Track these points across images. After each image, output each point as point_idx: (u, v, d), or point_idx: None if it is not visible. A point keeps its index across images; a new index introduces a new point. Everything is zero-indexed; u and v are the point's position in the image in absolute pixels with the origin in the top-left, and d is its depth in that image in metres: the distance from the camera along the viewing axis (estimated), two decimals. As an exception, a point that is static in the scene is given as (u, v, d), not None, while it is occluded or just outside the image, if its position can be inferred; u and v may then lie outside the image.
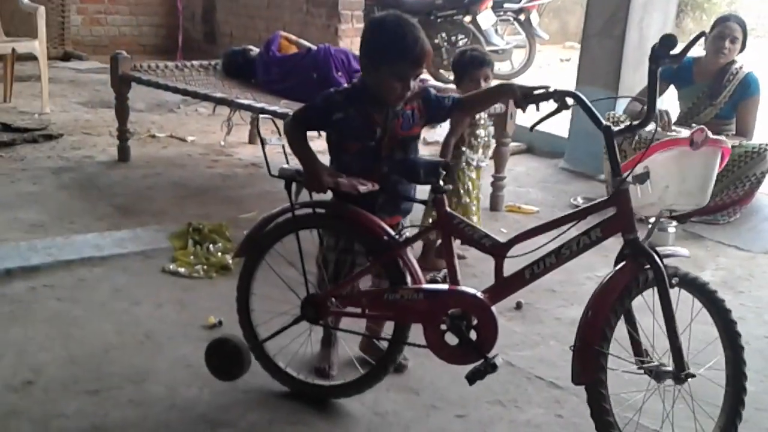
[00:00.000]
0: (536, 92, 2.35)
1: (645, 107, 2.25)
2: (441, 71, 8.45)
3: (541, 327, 3.13)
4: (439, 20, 8.40)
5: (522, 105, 2.39)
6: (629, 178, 2.32)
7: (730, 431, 2.39)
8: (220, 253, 3.59)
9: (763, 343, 3.17)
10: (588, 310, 2.23)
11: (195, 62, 5.42)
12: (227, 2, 8.78)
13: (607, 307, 2.22)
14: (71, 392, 2.54)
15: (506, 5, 8.43)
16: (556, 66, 9.78)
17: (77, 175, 4.79)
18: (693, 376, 2.27)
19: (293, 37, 5.27)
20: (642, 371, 2.31)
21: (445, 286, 2.42)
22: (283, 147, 2.52)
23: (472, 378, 2.31)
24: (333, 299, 2.49)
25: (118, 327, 2.98)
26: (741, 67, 4.53)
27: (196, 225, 3.81)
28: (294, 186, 2.45)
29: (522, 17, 8.79)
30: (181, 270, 3.45)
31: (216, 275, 3.45)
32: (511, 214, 4.51)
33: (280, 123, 2.61)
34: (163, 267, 3.48)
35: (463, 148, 3.64)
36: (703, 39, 2.43)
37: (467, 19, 8.18)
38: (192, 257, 3.54)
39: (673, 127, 4.48)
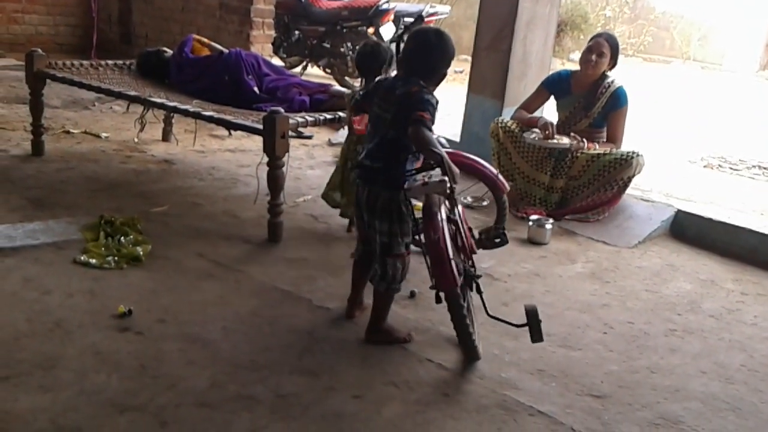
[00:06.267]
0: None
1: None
2: (346, 78, 8.44)
3: (432, 314, 3.16)
4: (344, 30, 8.39)
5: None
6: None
7: None
8: (131, 245, 3.48)
9: (626, 327, 3.29)
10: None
11: (110, 61, 5.22)
12: (143, 5, 8.50)
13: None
14: (-20, 379, 2.42)
15: (406, 19, 8.47)
16: (450, 76, 9.93)
17: (-10, 168, 4.55)
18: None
19: (206, 40, 5.16)
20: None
21: None
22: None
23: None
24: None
25: (29, 315, 2.84)
26: (613, 81, 4.68)
27: (108, 218, 3.68)
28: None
29: (420, 30, 8.84)
30: (92, 261, 3.31)
31: (127, 266, 3.34)
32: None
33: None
34: (75, 258, 3.34)
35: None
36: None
37: (371, 30, 8.18)
38: (103, 249, 3.41)
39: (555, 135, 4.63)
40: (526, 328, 2.69)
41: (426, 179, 2.66)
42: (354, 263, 3.07)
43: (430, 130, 2.58)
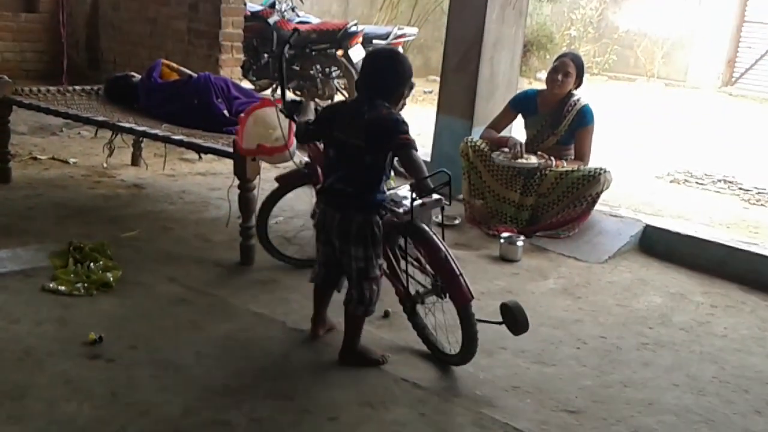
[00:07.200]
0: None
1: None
2: (316, 100, 8.45)
3: (406, 333, 3.16)
4: (313, 53, 8.40)
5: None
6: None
7: None
8: (100, 271, 3.43)
9: (598, 342, 3.32)
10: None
11: (77, 87, 5.18)
12: (111, 30, 8.45)
13: None
14: (-54, 411, 2.36)
15: (375, 41, 8.51)
16: (420, 96, 10.00)
17: (-44, 196, 4.47)
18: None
19: (174, 65, 5.14)
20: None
21: None
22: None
23: None
24: None
25: (-3, 345, 2.79)
26: (578, 100, 4.75)
27: (77, 244, 3.63)
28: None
29: (389, 52, 8.88)
30: (62, 288, 3.26)
31: (96, 292, 3.29)
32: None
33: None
34: (43, 285, 3.29)
35: None
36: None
37: (339, 52, 8.20)
38: (72, 275, 3.36)
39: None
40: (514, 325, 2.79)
41: (424, 201, 2.77)
42: (315, 287, 3.04)
43: (416, 150, 2.64)
